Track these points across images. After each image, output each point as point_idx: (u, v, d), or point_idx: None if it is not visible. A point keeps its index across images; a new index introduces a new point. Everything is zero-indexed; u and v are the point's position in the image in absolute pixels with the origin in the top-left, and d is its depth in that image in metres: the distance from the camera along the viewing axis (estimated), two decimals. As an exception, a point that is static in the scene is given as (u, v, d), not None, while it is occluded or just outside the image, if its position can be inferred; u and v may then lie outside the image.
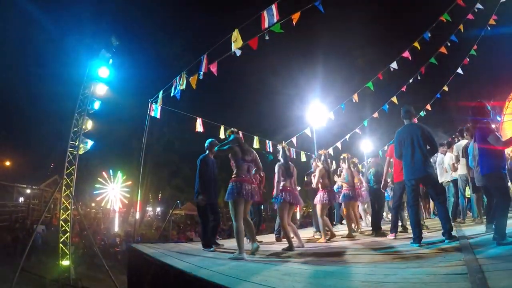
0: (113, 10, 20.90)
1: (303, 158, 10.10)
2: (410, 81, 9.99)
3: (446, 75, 11.04)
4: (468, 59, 10.42)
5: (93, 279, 9.33)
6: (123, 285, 7.14)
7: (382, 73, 9.13)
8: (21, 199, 19.56)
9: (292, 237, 4.28)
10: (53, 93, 18.41)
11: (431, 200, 6.96)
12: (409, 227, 4.18)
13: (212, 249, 4.40)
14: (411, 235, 3.58)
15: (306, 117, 9.67)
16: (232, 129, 4.09)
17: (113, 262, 10.79)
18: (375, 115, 10.66)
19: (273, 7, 5.30)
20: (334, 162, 7.44)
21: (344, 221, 7.03)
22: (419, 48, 8.60)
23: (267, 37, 5.55)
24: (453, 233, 3.55)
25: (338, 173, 6.61)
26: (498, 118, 18.68)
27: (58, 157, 14.56)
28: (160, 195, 29.26)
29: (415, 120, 4.04)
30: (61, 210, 8.19)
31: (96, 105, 8.48)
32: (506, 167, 3.22)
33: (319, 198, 5.05)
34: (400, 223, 5.23)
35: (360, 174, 6.75)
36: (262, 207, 7.00)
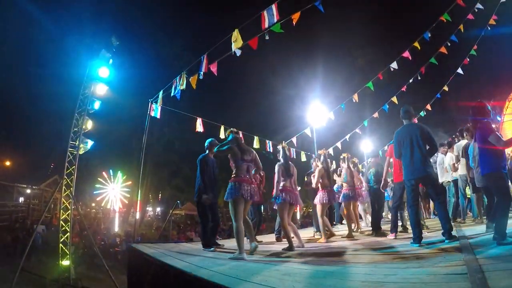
0: (113, 10, 20.91)
1: (303, 158, 10.11)
2: (410, 81, 10.00)
3: (446, 75, 11.06)
4: (468, 59, 10.42)
5: (93, 279, 9.33)
6: (123, 285, 7.14)
7: (382, 73, 9.14)
8: (21, 199, 19.57)
9: (292, 237, 4.28)
10: (53, 93, 18.41)
11: (431, 200, 6.96)
12: (409, 227, 4.18)
13: (212, 249, 4.40)
14: (411, 235, 3.58)
15: (306, 117, 9.68)
16: (231, 129, 4.09)
17: (113, 262, 10.80)
18: (375, 115, 10.67)
19: (273, 7, 5.30)
20: (334, 162, 7.44)
21: (344, 221, 7.04)
22: (419, 48, 8.60)
23: (267, 37, 5.55)
24: (453, 233, 3.55)
25: (338, 172, 6.62)
26: (498, 118, 18.68)
27: (58, 157, 14.58)
28: (160, 195, 29.27)
29: (415, 120, 4.04)
30: (61, 210, 8.19)
31: (96, 105, 8.49)
32: (507, 167, 3.22)
33: (319, 198, 5.05)
34: (400, 223, 5.24)
35: (360, 174, 6.76)
36: (262, 207, 7.00)
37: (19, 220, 14.18)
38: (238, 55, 5.58)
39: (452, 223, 4.80)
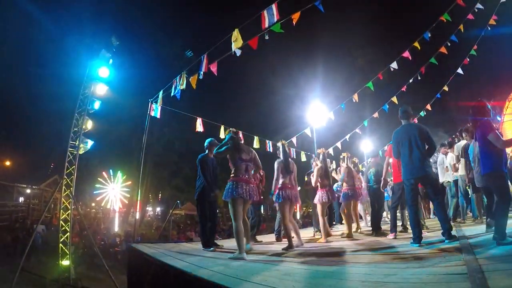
0: (113, 10, 20.89)
1: (303, 158, 10.11)
2: (410, 81, 10.00)
3: (446, 75, 11.06)
4: (468, 59, 10.42)
5: (93, 279, 9.32)
6: (123, 285, 7.14)
7: (382, 73, 9.14)
8: (21, 199, 19.56)
9: (293, 237, 4.28)
10: (53, 93, 18.41)
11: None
12: (410, 227, 4.18)
13: (211, 248, 4.40)
14: (411, 235, 3.58)
15: (306, 117, 9.68)
16: (231, 128, 4.09)
17: (113, 262, 10.79)
18: (375, 115, 10.67)
19: (273, 6, 5.30)
20: (334, 162, 7.44)
21: (344, 221, 7.04)
22: (419, 48, 8.60)
23: (267, 37, 5.55)
24: (453, 233, 3.55)
25: (337, 172, 6.63)
26: (498, 118, 18.65)
27: (58, 157, 14.57)
28: (160, 195, 29.27)
29: (415, 120, 4.05)
30: (61, 210, 8.19)
31: (96, 105, 8.48)
32: (507, 166, 3.22)
33: (319, 197, 5.05)
34: (400, 223, 5.24)
35: (360, 174, 6.77)
36: (262, 207, 7.00)
37: (19, 220, 14.17)
38: (238, 55, 5.58)
39: (452, 223, 4.81)
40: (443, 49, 9.18)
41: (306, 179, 6.20)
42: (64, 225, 8.15)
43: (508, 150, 3.89)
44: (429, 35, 8.47)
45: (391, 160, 4.76)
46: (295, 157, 9.57)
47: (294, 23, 5.67)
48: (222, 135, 7.18)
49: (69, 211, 8.25)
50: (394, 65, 8.89)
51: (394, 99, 9.96)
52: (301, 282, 2.32)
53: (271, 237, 5.97)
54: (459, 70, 10.45)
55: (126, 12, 21.19)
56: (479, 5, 8.73)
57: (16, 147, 24.45)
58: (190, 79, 6.01)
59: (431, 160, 4.83)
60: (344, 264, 2.91)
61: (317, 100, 9.90)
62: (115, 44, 8.71)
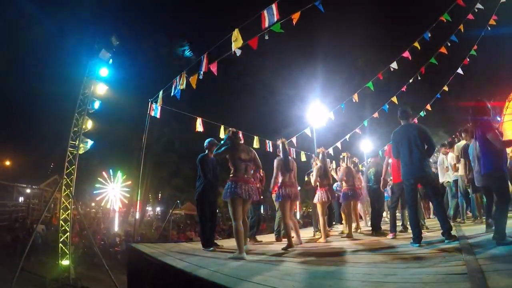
0: (113, 10, 20.90)
1: (303, 158, 10.11)
2: (410, 81, 10.00)
3: (446, 75, 11.05)
4: (468, 59, 10.42)
5: (93, 279, 9.32)
6: (123, 285, 7.13)
7: (382, 73, 9.14)
8: (21, 199, 19.53)
9: (292, 237, 4.28)
10: (53, 93, 18.41)
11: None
12: (410, 227, 4.18)
13: (211, 248, 4.40)
14: (411, 235, 3.58)
15: (306, 117, 9.68)
16: (230, 128, 4.09)
17: (113, 262, 10.77)
18: (375, 115, 10.67)
19: (273, 6, 5.30)
20: (334, 161, 7.44)
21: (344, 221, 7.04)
22: (419, 48, 8.60)
23: (267, 37, 5.55)
24: (453, 232, 3.55)
25: (337, 172, 6.63)
26: (498, 119, 18.65)
27: (58, 157, 14.57)
28: (160, 195, 29.27)
29: (415, 121, 4.05)
30: (61, 210, 8.19)
31: (96, 105, 8.48)
32: (507, 166, 3.22)
33: (318, 197, 5.05)
34: (400, 223, 5.24)
35: (360, 173, 6.77)
36: (262, 206, 7.00)
37: (19, 219, 14.15)
38: (238, 55, 5.58)
39: (452, 223, 4.81)
40: (443, 49, 9.17)
41: (306, 179, 6.20)
42: (64, 225, 8.14)
43: (508, 150, 3.89)
44: (429, 35, 8.46)
45: (390, 160, 4.76)
46: (295, 157, 9.57)
47: (294, 23, 5.67)
48: (222, 135, 7.18)
49: (69, 211, 8.25)
50: (394, 65, 8.89)
51: (394, 99, 9.96)
52: (301, 282, 2.32)
53: (271, 237, 5.97)
54: (459, 70, 10.45)
55: (126, 12, 21.21)
56: (479, 5, 8.73)
57: (16, 147, 24.45)
58: (190, 79, 6.01)
59: (431, 160, 4.84)
60: (344, 264, 2.91)
61: (317, 100, 9.93)
62: (115, 44, 8.71)
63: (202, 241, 4.65)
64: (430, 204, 7.48)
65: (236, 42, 5.37)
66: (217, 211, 11.04)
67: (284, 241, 4.48)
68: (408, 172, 3.67)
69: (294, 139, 9.52)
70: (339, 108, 9.83)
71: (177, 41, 22.48)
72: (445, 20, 8.35)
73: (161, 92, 6.39)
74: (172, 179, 23.67)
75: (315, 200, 5.13)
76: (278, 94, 22.81)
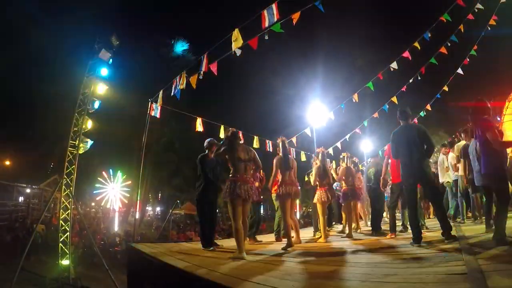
0: (113, 10, 20.90)
1: (303, 158, 10.11)
2: (410, 81, 9.99)
3: (446, 75, 11.05)
4: (468, 59, 10.42)
5: (93, 278, 9.32)
6: (123, 285, 7.13)
7: (382, 73, 9.14)
8: (21, 199, 19.53)
9: (292, 237, 4.28)
10: (53, 93, 18.40)
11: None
12: (410, 227, 4.18)
13: (211, 248, 4.40)
14: (411, 235, 3.58)
15: (306, 117, 9.68)
16: (230, 128, 4.09)
17: (113, 261, 10.76)
18: (375, 115, 10.66)
19: (273, 6, 5.29)
20: (334, 161, 7.44)
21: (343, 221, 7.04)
22: (419, 48, 8.60)
23: (267, 37, 5.55)
24: (453, 232, 3.55)
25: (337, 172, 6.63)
26: (498, 119, 18.64)
27: (58, 157, 14.56)
28: (160, 195, 29.28)
29: (415, 121, 4.05)
30: (61, 210, 8.19)
31: (96, 104, 8.48)
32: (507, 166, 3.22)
33: (318, 196, 5.05)
34: (400, 222, 5.24)
35: (360, 173, 6.77)
36: (262, 206, 7.00)
37: (19, 219, 14.16)
38: (238, 55, 5.57)
39: (452, 223, 4.81)
40: (443, 49, 9.17)
41: (306, 179, 6.20)
42: (64, 224, 8.14)
43: (508, 150, 3.89)
44: (429, 35, 8.46)
45: (390, 161, 4.76)
46: (295, 156, 9.56)
47: (294, 23, 5.67)
48: (222, 135, 7.18)
49: (69, 210, 8.25)
50: (394, 65, 8.89)
51: (394, 99, 9.95)
52: (301, 282, 2.32)
53: (271, 237, 5.97)
54: (459, 70, 10.45)
55: (126, 12, 21.20)
56: (479, 5, 8.73)
57: (16, 147, 24.41)
58: (190, 79, 6.00)
59: (430, 160, 4.83)
60: (344, 264, 2.91)
61: (317, 100, 9.92)
62: (115, 44, 8.71)
63: (202, 241, 4.65)
64: (430, 204, 7.49)
65: (236, 42, 5.37)
66: (217, 211, 11.04)
67: (284, 241, 4.48)
68: (408, 172, 3.67)
69: (294, 139, 9.51)
70: (339, 108, 9.83)
71: (177, 41, 22.49)
72: (445, 20, 8.35)
73: (161, 92, 6.38)
74: (172, 179, 23.69)
75: (315, 200, 5.12)
76: (278, 94, 22.85)
